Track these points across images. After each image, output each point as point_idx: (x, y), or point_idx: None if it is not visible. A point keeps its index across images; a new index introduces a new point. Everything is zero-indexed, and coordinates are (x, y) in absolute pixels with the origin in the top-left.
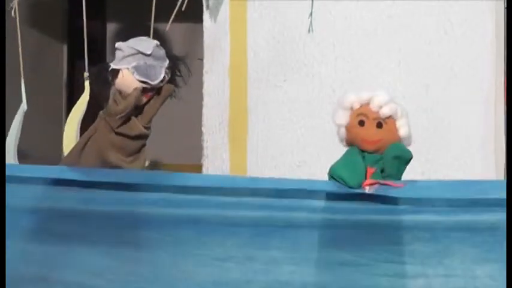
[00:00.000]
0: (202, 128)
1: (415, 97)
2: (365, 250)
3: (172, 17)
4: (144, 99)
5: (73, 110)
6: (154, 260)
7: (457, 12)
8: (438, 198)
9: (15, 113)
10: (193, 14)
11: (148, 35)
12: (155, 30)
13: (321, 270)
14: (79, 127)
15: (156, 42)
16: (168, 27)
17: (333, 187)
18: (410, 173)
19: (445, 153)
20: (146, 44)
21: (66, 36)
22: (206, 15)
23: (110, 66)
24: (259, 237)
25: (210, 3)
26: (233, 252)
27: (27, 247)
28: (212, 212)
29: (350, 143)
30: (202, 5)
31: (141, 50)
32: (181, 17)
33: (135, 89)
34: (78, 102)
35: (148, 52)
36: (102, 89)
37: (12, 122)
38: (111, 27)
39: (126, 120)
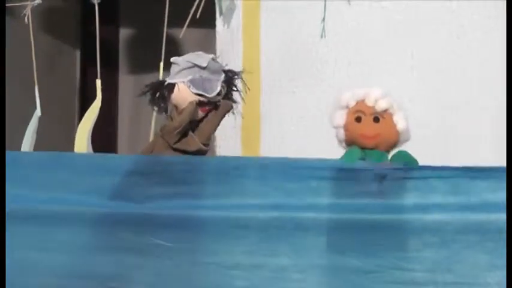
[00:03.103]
0: (215, 133)
1: (427, 102)
2: (374, 256)
3: (187, 23)
4: (201, 114)
5: (84, 117)
6: (160, 268)
7: (469, 17)
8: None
9: (29, 119)
10: (206, 19)
11: (161, 40)
12: (169, 36)
13: (330, 277)
14: (90, 134)
15: (211, 55)
16: (182, 34)
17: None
18: None
19: (457, 157)
20: (202, 57)
21: (79, 41)
22: (219, 21)
23: (165, 81)
24: (267, 244)
25: (223, 9)
26: (240, 260)
27: (30, 253)
28: (219, 216)
29: (349, 143)
30: (215, 11)
31: (196, 63)
32: (194, 23)
33: (191, 102)
34: (90, 109)
35: (204, 65)
36: (160, 106)
37: (26, 128)
38: (124, 33)
39: (183, 135)
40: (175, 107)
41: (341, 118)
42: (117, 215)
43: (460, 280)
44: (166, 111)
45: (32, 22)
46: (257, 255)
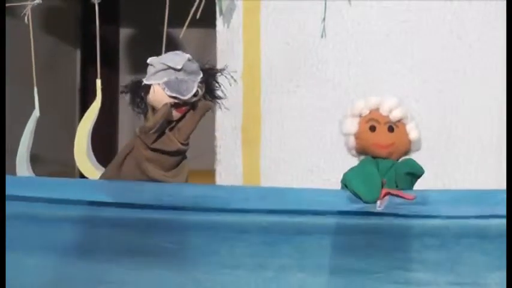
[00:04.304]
0: (216, 133)
1: (428, 102)
2: (375, 257)
3: (187, 23)
4: (178, 115)
5: (84, 117)
6: (162, 268)
7: (470, 18)
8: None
9: (27, 120)
10: (207, 19)
11: (161, 40)
12: (169, 36)
13: (332, 277)
14: (90, 134)
15: (188, 56)
16: (182, 33)
17: (345, 199)
18: (423, 179)
19: (458, 158)
20: (177, 58)
21: (79, 41)
22: (219, 21)
23: (142, 82)
24: (270, 244)
25: (224, 8)
26: (243, 260)
27: (36, 254)
28: (221, 218)
29: (360, 151)
30: (215, 11)
31: (171, 65)
32: (195, 23)
33: (164, 104)
34: (89, 109)
35: (179, 67)
36: (139, 106)
37: (24, 128)
38: (124, 33)
39: (160, 135)
40: (153, 108)
41: (353, 126)
42: (119, 217)
43: (462, 280)
44: (145, 113)
45: (32, 22)
46: (260, 256)
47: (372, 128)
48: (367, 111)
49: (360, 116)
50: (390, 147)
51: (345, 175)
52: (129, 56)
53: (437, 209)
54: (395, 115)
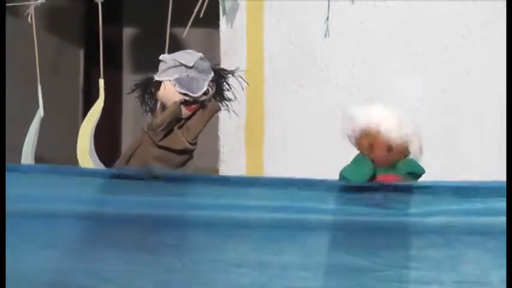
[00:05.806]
0: (219, 133)
1: (431, 101)
2: (378, 255)
3: (190, 23)
4: (188, 113)
5: (87, 116)
6: (167, 266)
7: (474, 17)
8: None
9: (32, 119)
10: (210, 19)
11: (165, 40)
12: (172, 36)
13: (335, 275)
14: (93, 134)
15: (200, 54)
16: (185, 33)
17: (348, 196)
18: (426, 179)
19: (461, 157)
20: (189, 56)
21: (82, 41)
22: (223, 21)
23: (153, 78)
24: (273, 242)
25: (227, 8)
26: (247, 258)
27: (39, 251)
28: (226, 216)
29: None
30: (218, 10)
31: (183, 62)
32: (198, 22)
33: (174, 102)
34: (92, 108)
35: (190, 64)
36: (148, 104)
37: (29, 128)
38: (127, 32)
39: (169, 133)
40: (162, 105)
41: (353, 139)
42: (122, 214)
43: (465, 279)
44: (153, 110)
45: (36, 21)
46: (263, 254)
47: (371, 147)
48: (367, 128)
49: (360, 131)
50: (388, 164)
51: (340, 171)
52: (132, 55)
53: (440, 205)
54: (394, 139)
